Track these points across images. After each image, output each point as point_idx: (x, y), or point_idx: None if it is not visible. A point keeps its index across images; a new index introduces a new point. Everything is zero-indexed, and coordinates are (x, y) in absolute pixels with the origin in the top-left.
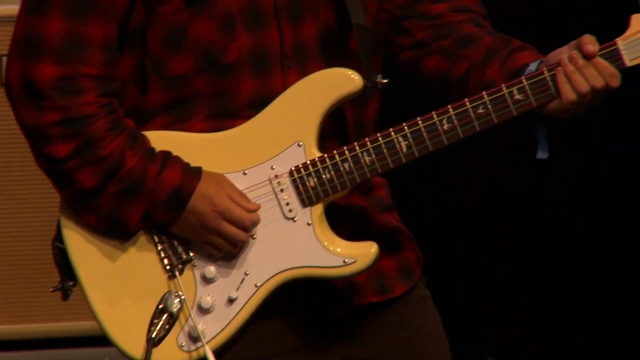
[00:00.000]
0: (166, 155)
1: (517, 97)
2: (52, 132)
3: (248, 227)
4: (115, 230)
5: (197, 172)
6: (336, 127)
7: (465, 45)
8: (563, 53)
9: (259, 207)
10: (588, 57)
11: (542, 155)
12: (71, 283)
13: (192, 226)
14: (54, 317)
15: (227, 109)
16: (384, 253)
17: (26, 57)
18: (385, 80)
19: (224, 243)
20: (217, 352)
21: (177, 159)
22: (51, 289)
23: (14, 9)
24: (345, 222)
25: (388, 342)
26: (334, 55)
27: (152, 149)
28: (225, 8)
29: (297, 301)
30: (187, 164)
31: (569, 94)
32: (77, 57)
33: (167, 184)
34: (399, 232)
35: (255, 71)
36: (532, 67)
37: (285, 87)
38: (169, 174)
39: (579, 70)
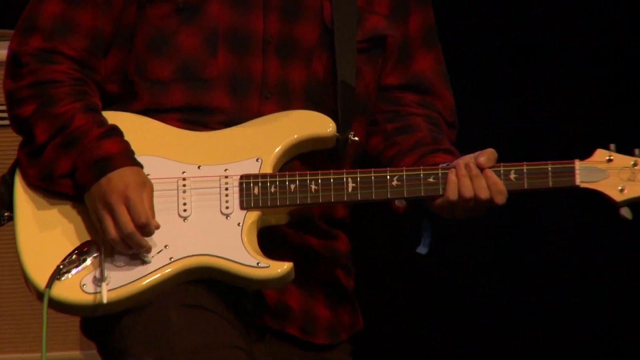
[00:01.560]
0: (117, 129)
1: (430, 180)
2: (23, 94)
3: (142, 223)
4: (44, 181)
5: (135, 161)
6: None
7: (402, 133)
8: (464, 159)
9: (158, 226)
10: (479, 167)
11: (421, 250)
12: (7, 214)
13: (97, 196)
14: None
15: (199, 120)
16: (324, 303)
17: (21, 34)
18: (355, 138)
19: (111, 225)
20: (111, 305)
21: (126, 142)
22: None
23: None
24: (295, 258)
25: None
26: (317, 104)
27: (105, 121)
28: (212, 24)
29: (225, 302)
30: (132, 151)
31: (450, 194)
32: (60, 38)
33: (102, 149)
34: (344, 293)
35: (231, 92)
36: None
37: (260, 114)
38: (110, 142)
39: (470, 177)
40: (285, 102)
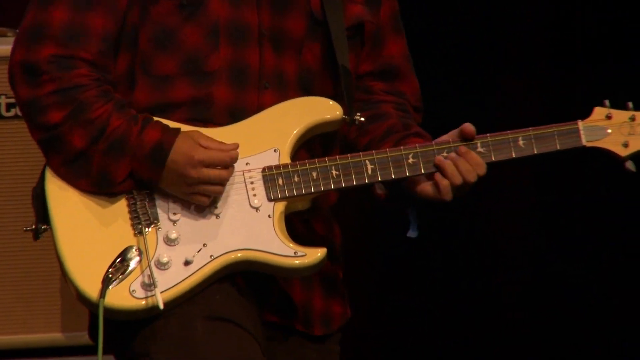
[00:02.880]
0: (147, 118)
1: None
2: (48, 101)
3: (228, 163)
4: (103, 189)
5: (175, 130)
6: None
7: (374, 121)
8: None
9: (237, 146)
10: (468, 136)
11: (412, 234)
12: (44, 227)
13: (175, 181)
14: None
15: (204, 115)
16: (319, 294)
17: (29, 42)
18: (362, 119)
19: (209, 188)
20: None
21: (158, 122)
22: (24, 229)
23: None
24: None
25: None
26: (311, 93)
27: (136, 115)
28: (213, 18)
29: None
30: (166, 125)
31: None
32: (75, 43)
33: (148, 140)
34: (335, 284)
35: (232, 83)
36: None
37: (259, 104)
38: (149, 132)
39: (452, 160)
40: (282, 92)
